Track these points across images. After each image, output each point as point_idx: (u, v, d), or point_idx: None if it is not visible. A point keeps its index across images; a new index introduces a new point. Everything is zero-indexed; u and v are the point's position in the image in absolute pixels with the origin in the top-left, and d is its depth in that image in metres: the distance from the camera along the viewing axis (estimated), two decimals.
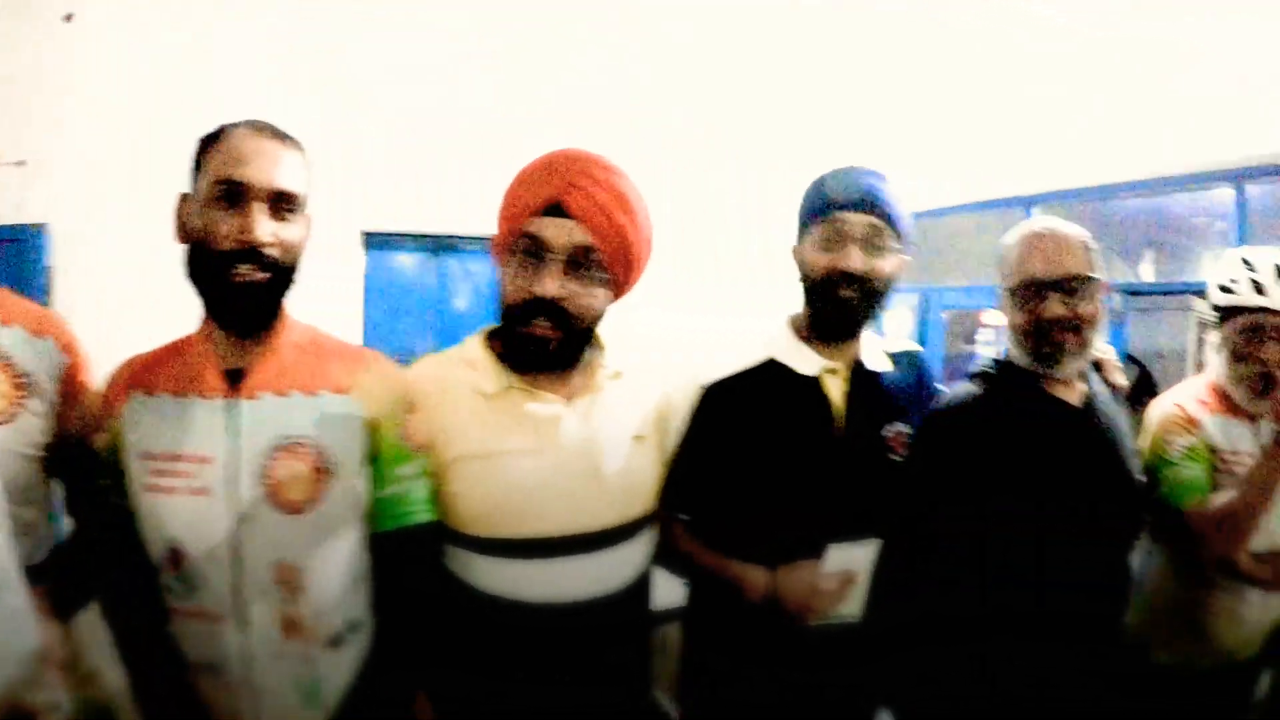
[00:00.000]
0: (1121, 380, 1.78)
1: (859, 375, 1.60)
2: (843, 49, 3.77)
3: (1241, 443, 1.85)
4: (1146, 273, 5.70)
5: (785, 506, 1.51)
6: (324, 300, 4.63)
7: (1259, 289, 1.79)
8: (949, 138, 4.52)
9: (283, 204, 1.23)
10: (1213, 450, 1.85)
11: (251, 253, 1.20)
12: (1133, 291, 4.86)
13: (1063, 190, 5.03)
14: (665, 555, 1.60)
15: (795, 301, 1.62)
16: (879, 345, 1.66)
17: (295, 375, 1.28)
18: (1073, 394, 1.59)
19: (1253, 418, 1.86)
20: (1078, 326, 1.51)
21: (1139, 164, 4.61)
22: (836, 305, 1.52)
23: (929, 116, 4.22)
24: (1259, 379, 1.80)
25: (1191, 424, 1.87)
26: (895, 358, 1.69)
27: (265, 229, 1.20)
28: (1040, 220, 1.62)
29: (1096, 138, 4.27)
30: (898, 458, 1.58)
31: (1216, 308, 1.89)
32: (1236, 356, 1.84)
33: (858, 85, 4.08)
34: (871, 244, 1.51)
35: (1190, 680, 1.88)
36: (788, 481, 1.52)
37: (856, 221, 1.50)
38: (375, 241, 4.96)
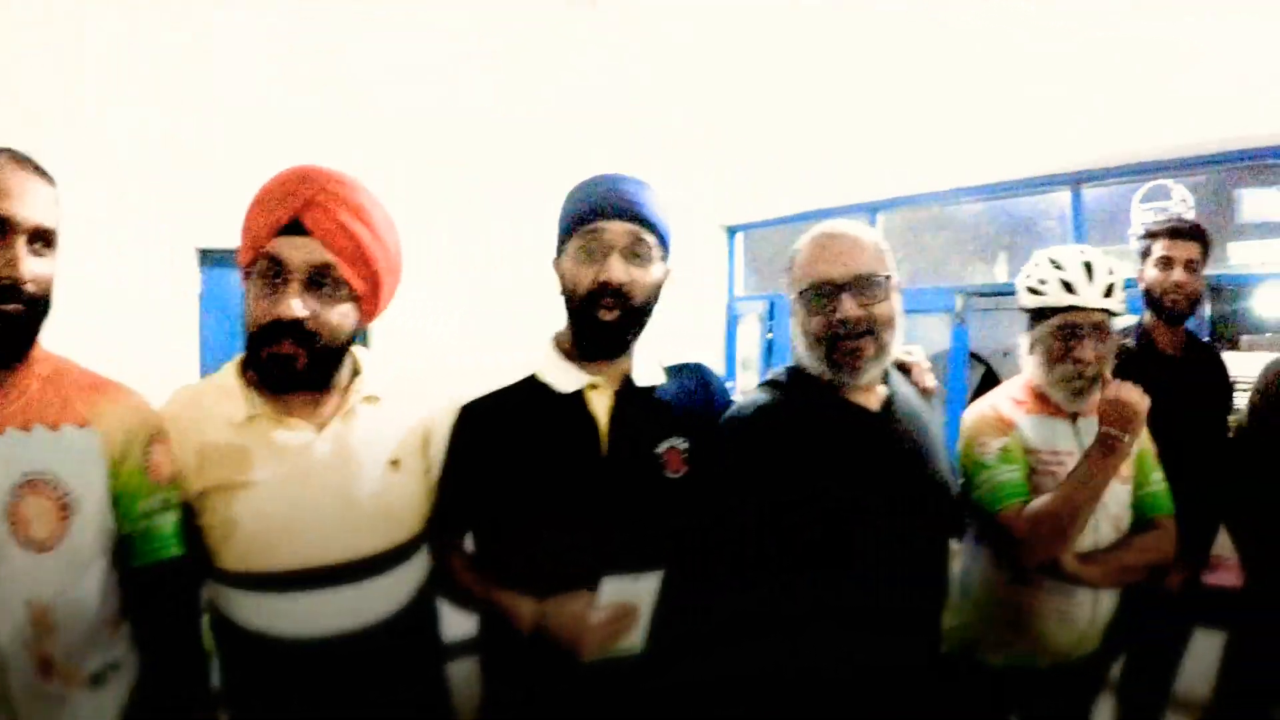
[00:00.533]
0: (930, 382, 1.72)
1: (627, 391, 1.52)
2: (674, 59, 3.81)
3: (1060, 442, 1.83)
4: (1000, 274, 5.88)
5: (552, 532, 1.42)
6: (158, 319, 4.47)
7: (1069, 288, 1.78)
8: (794, 147, 4.56)
9: (41, 240, 1.20)
10: (1029, 451, 1.82)
11: (11, 289, 1.16)
12: (977, 292, 4.99)
13: (907, 195, 5.15)
14: (443, 585, 1.53)
15: None
16: (653, 358, 1.58)
17: (39, 409, 1.23)
18: (871, 398, 1.51)
19: (1073, 416, 1.84)
20: (872, 329, 1.44)
21: (981, 168, 4.74)
22: (597, 325, 1.45)
23: (771, 124, 4.24)
24: (1078, 379, 1.78)
25: (1005, 425, 1.83)
26: (676, 370, 1.61)
27: (28, 266, 1.17)
28: (829, 223, 1.55)
29: (939, 143, 4.38)
30: (673, 475, 1.49)
31: (1027, 309, 1.88)
32: (1052, 357, 1.82)
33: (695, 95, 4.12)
34: (634, 253, 1.45)
35: (1028, 681, 1.86)
36: (551, 505, 1.43)
37: (617, 230, 1.44)
38: (211, 259, 4.76)
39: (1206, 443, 2.32)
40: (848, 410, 1.49)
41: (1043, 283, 1.82)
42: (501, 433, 1.47)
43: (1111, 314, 1.80)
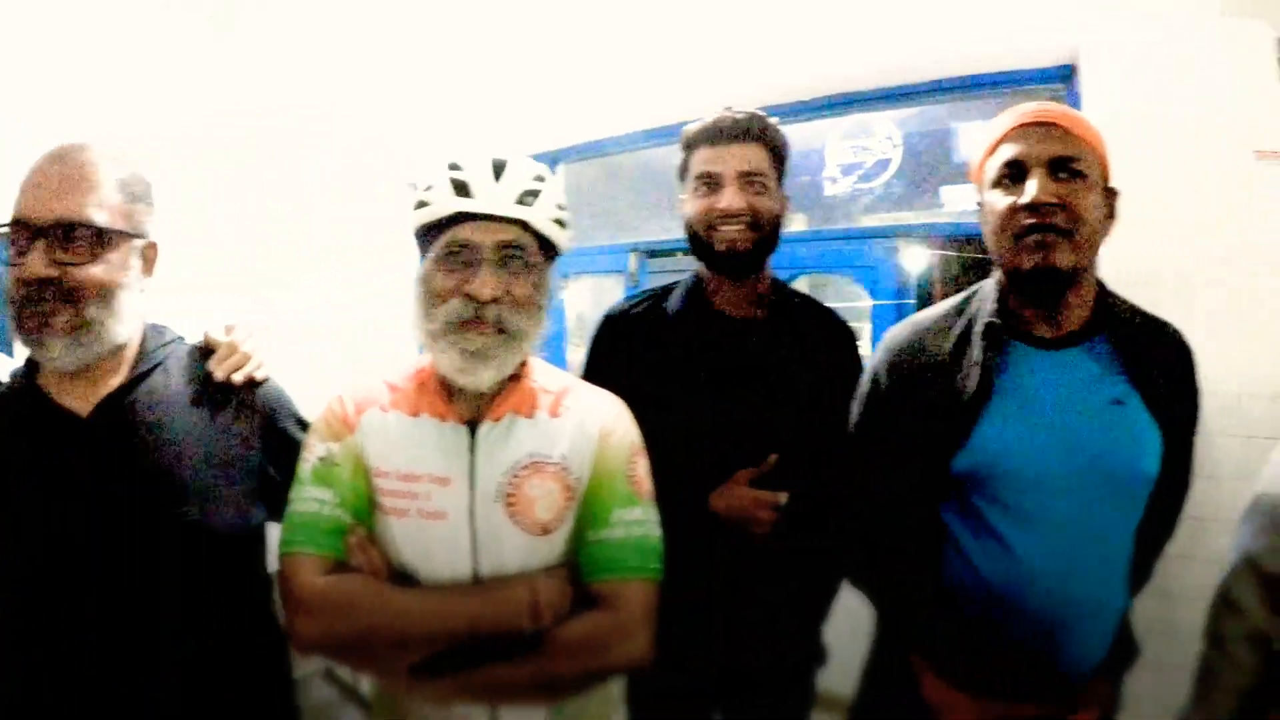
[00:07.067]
0: (219, 373, 1.35)
1: None
2: None
3: (424, 458, 1.23)
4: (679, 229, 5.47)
5: None
6: None
7: (462, 189, 1.19)
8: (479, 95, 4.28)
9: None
10: (374, 472, 1.24)
11: None
12: (650, 251, 4.68)
13: (590, 141, 4.72)
14: None
15: None
16: None
17: None
18: (91, 395, 1.23)
19: (470, 422, 1.25)
20: (72, 295, 1.15)
21: (669, 109, 4.23)
22: None
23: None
24: (473, 322, 1.18)
25: (343, 422, 1.27)
26: None
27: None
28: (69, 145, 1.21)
29: (623, 85, 4.02)
30: None
31: (419, 240, 1.26)
32: (435, 296, 1.20)
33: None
34: None
35: None
36: None
37: None
38: None
39: (802, 442, 1.61)
40: (45, 415, 1.22)
41: (429, 189, 1.22)
42: None
43: (540, 237, 1.23)
